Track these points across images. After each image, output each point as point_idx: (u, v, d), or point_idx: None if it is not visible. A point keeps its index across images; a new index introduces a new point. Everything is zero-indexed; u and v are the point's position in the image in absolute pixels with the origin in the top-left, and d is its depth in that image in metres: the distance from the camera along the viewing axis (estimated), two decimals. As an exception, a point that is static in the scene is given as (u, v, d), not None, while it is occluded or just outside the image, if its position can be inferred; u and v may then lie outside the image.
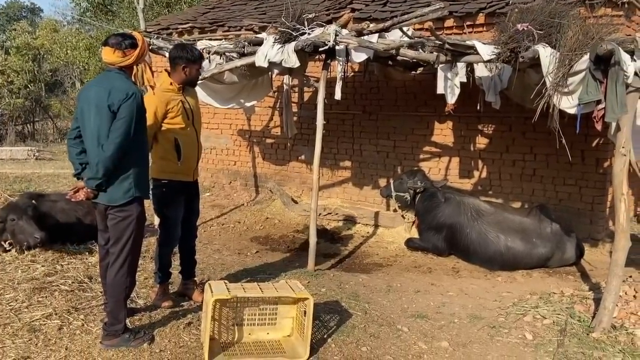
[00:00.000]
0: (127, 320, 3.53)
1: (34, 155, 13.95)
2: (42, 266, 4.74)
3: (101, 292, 4.04)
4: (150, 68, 3.46)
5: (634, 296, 4.27)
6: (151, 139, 3.91)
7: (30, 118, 20.18)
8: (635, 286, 4.45)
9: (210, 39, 6.63)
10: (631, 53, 3.87)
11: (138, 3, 14.85)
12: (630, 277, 4.72)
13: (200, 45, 6.26)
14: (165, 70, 4.05)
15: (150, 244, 5.38)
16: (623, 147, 3.87)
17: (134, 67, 3.32)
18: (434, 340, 3.77)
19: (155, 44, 6.46)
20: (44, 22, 27.28)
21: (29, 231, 4.98)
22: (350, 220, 7.26)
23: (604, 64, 3.91)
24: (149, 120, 3.64)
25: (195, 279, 4.41)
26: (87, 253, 5.24)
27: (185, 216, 4.17)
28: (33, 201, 5.29)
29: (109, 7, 21.15)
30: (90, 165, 3.25)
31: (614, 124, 3.97)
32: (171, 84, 3.94)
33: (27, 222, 5.02)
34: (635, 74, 3.82)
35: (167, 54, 6.42)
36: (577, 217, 6.19)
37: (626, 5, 5.62)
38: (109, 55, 3.29)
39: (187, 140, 3.99)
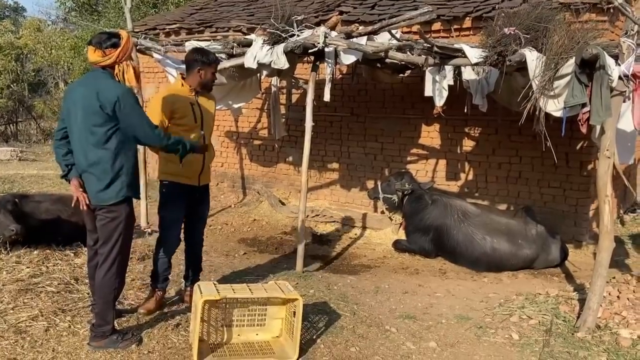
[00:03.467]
0: (115, 322, 3.50)
1: (17, 156, 13.76)
2: (28, 267, 4.69)
3: (88, 294, 4.01)
4: (135, 68, 3.40)
5: (618, 297, 4.34)
6: None
7: (13, 118, 19.89)
8: (619, 287, 4.53)
9: (198, 40, 6.60)
10: (615, 57, 3.95)
11: (125, 3, 14.69)
12: (614, 278, 4.79)
13: (188, 45, 6.24)
14: (181, 74, 4.16)
15: (137, 244, 5.34)
16: (607, 150, 3.93)
17: (116, 66, 3.31)
18: (422, 340, 3.80)
19: (143, 44, 6.44)
20: (27, 22, 26.87)
21: (4, 224, 4.90)
22: (338, 222, 7.28)
23: (589, 67, 3.97)
24: (154, 119, 3.63)
25: None
26: (72, 254, 5.19)
27: (190, 221, 4.14)
28: (16, 199, 5.22)
29: (94, 6, 20.88)
30: (162, 145, 3.44)
31: (598, 127, 4.03)
32: (182, 85, 3.97)
33: (4, 215, 4.94)
34: (620, 77, 3.89)
35: (154, 55, 6.45)
36: (561, 219, 6.28)
37: (611, 11, 5.72)
38: (91, 54, 3.28)
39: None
